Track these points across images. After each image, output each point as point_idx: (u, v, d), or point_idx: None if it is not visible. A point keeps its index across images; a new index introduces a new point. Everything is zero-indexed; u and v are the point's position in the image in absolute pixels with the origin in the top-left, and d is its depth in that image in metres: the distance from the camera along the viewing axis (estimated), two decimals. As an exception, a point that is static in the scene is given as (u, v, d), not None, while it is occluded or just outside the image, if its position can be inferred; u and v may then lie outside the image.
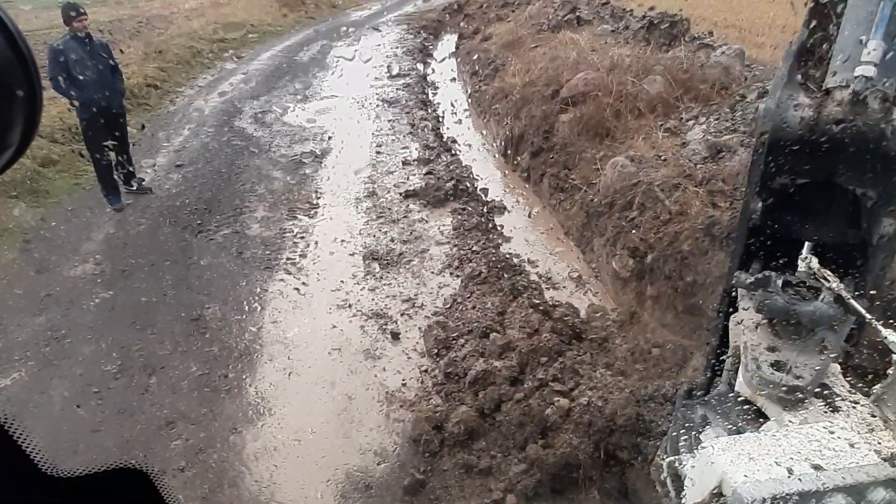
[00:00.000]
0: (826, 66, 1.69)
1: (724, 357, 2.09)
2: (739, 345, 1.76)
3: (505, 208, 7.64)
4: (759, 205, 1.74)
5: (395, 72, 14.18)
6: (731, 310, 1.96)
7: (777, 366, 1.60)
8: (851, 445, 1.35)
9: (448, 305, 5.46)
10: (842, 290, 1.59)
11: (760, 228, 1.80)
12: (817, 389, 1.59)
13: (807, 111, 1.63)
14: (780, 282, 1.69)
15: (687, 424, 1.90)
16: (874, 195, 1.65)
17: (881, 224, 1.66)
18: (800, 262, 1.71)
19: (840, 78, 1.61)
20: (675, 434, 1.96)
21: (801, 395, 1.54)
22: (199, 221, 7.13)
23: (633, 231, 5.52)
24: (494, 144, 9.93)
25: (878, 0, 1.55)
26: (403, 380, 4.64)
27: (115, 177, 7.46)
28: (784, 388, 1.54)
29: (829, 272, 1.65)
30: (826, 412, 1.52)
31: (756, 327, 1.71)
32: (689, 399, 2.12)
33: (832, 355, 1.60)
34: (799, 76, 1.74)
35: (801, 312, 1.61)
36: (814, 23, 1.76)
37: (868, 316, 1.53)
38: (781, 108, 1.66)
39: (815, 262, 1.67)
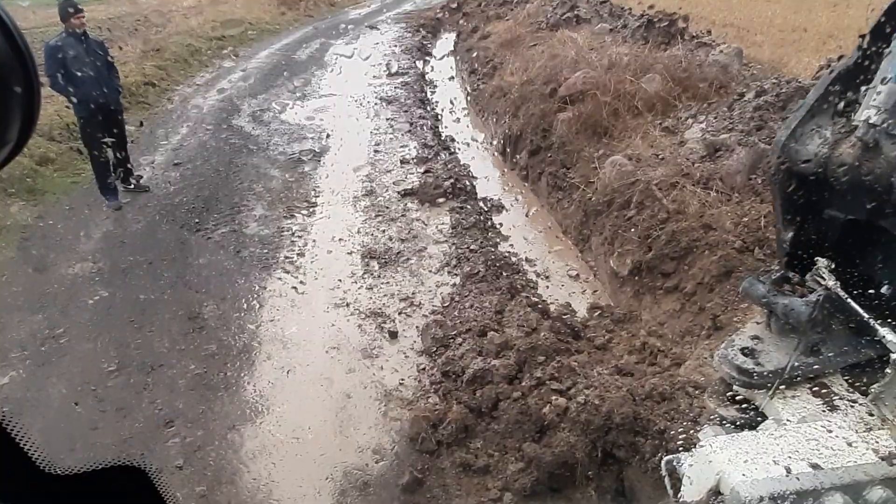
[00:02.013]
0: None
1: None
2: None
3: (503, 207, 7.64)
4: (790, 235, 1.73)
5: (393, 70, 14.17)
6: None
7: (744, 351, 1.66)
8: (849, 444, 1.35)
9: (446, 304, 5.46)
10: (838, 289, 1.59)
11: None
12: (815, 388, 1.59)
13: (822, 148, 1.56)
14: (775, 276, 1.70)
15: None
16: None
17: None
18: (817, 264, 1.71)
19: (861, 117, 1.50)
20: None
21: (755, 381, 1.59)
22: (196, 220, 7.12)
23: (632, 230, 5.53)
24: (493, 143, 9.93)
25: None
26: (401, 378, 4.64)
27: (113, 175, 7.44)
28: (737, 369, 1.61)
29: (827, 272, 1.65)
30: (824, 411, 1.52)
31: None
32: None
33: (799, 352, 1.62)
34: (842, 103, 1.61)
35: (774, 304, 1.64)
36: (867, 47, 1.56)
37: (866, 316, 1.53)
38: (797, 141, 1.60)
39: (822, 262, 1.67)
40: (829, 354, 1.61)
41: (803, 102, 1.67)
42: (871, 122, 1.47)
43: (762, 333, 1.72)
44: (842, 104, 1.61)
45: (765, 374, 1.59)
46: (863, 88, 1.53)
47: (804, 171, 1.62)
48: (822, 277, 1.64)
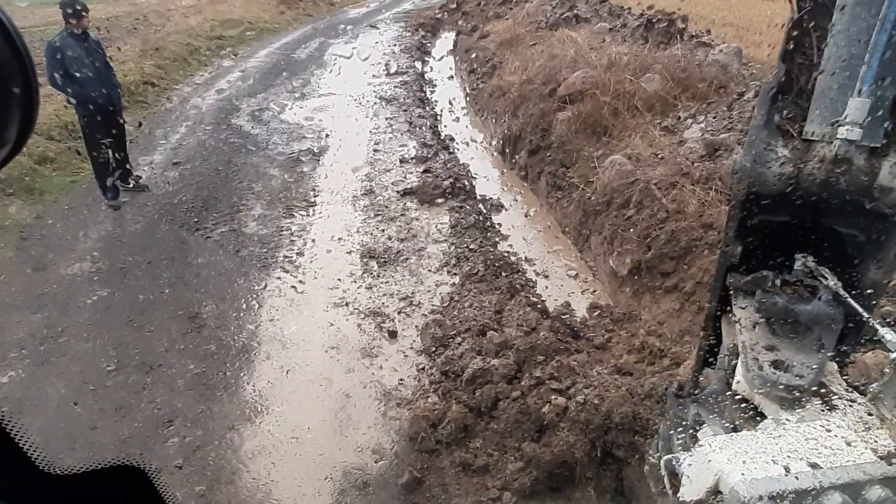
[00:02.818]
0: (806, 106, 1.54)
1: (715, 355, 2.09)
2: (736, 343, 1.76)
3: (502, 206, 7.65)
4: (739, 248, 1.72)
5: (392, 69, 14.17)
6: (721, 309, 1.95)
7: (776, 365, 1.58)
8: (848, 444, 1.35)
9: (445, 303, 5.47)
10: (839, 288, 1.60)
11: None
12: (815, 388, 1.59)
13: (786, 167, 1.53)
14: (778, 281, 1.68)
15: (680, 422, 1.90)
16: (863, 238, 1.62)
17: (869, 270, 1.64)
18: (796, 261, 1.70)
19: (821, 131, 1.48)
20: (668, 433, 1.95)
21: (799, 394, 1.54)
22: (196, 219, 7.12)
23: (632, 230, 5.53)
24: (492, 143, 9.93)
25: (863, 43, 1.42)
26: (401, 378, 4.64)
27: (112, 174, 7.44)
28: (783, 387, 1.53)
29: (826, 270, 1.65)
30: (823, 410, 1.52)
31: (754, 326, 1.71)
32: (680, 397, 2.12)
33: (829, 354, 1.60)
34: (777, 117, 1.59)
35: (800, 312, 1.60)
36: (793, 58, 1.55)
37: (865, 315, 1.53)
38: (759, 164, 1.57)
39: (811, 261, 1.67)
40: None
41: (755, 123, 1.64)
42: (848, 138, 1.45)
43: (769, 340, 1.68)
44: (781, 119, 1.60)
45: (807, 386, 1.53)
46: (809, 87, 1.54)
47: (771, 192, 1.59)
48: (825, 277, 1.64)
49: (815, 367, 1.56)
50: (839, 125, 1.45)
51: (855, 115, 1.43)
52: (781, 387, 1.53)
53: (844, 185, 1.50)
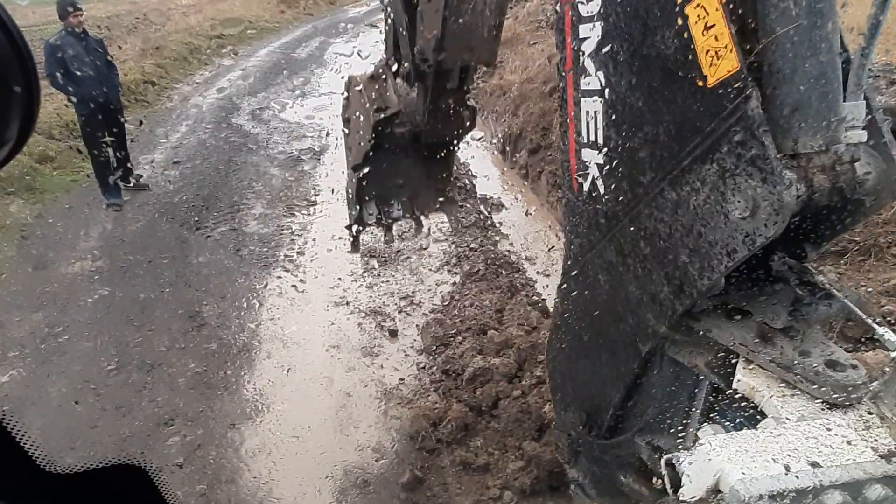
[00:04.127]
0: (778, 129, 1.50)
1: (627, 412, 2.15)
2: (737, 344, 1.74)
3: (503, 205, 7.64)
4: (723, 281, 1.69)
5: (393, 68, 14.14)
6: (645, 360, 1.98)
7: (831, 365, 1.57)
8: (849, 442, 1.35)
9: (446, 303, 5.47)
10: (834, 287, 1.60)
11: None
12: (867, 385, 1.58)
13: (799, 189, 1.49)
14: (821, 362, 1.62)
15: None
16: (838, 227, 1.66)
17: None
18: (774, 260, 1.70)
19: (814, 142, 1.46)
20: None
21: (855, 393, 1.51)
22: (196, 218, 7.12)
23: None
24: (493, 141, 9.93)
25: (829, 50, 1.44)
26: (401, 377, 4.64)
27: (113, 173, 7.44)
28: (840, 387, 1.51)
29: (811, 268, 1.66)
30: (823, 409, 1.52)
31: (765, 337, 1.68)
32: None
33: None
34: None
35: (832, 379, 1.54)
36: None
37: (866, 317, 1.54)
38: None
39: (791, 261, 1.67)
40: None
41: None
42: (855, 141, 1.46)
43: (812, 338, 1.67)
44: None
45: (865, 382, 1.52)
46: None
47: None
48: (812, 274, 1.65)
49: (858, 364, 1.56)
50: (843, 129, 1.44)
51: (857, 118, 1.44)
52: (839, 386, 1.52)
53: (848, 186, 1.49)
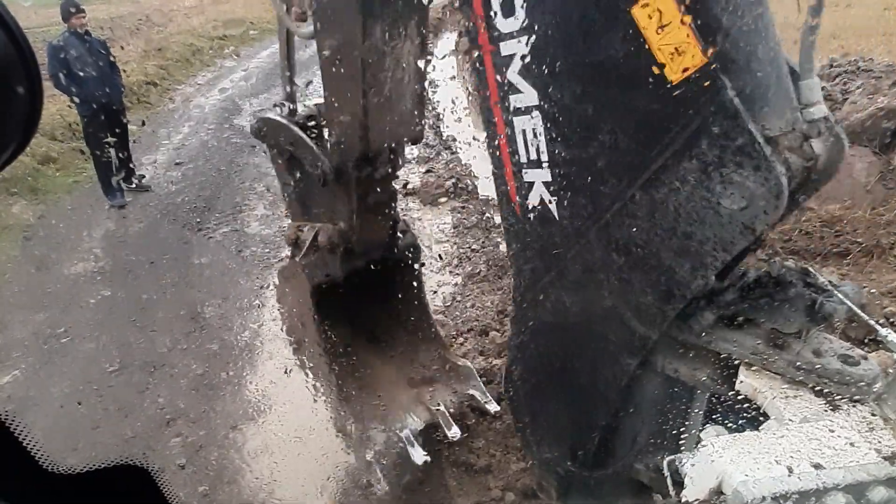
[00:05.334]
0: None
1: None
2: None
3: (505, 206, 7.62)
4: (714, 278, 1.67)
5: (395, 69, 14.13)
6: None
7: (846, 360, 1.57)
8: (851, 444, 1.35)
9: (447, 304, 5.46)
10: (833, 288, 1.60)
11: None
12: (818, 388, 1.59)
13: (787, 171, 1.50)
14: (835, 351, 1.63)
15: None
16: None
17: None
18: (773, 264, 1.69)
19: (780, 123, 1.48)
20: None
21: (868, 387, 1.51)
22: (198, 219, 7.12)
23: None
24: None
25: (771, 37, 1.47)
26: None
27: (115, 174, 7.45)
28: (855, 380, 1.52)
29: (820, 275, 1.66)
30: (826, 411, 1.52)
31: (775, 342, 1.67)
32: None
33: None
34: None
35: (853, 374, 1.55)
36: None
37: (868, 318, 1.53)
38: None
39: (788, 263, 1.67)
40: None
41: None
42: (819, 116, 1.47)
43: (821, 335, 1.67)
44: None
45: (874, 377, 1.54)
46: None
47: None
48: (812, 275, 1.65)
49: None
50: (806, 107, 1.47)
51: (816, 95, 1.47)
52: (850, 379, 1.52)
53: (814, 164, 1.52)
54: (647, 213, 1.61)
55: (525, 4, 1.63)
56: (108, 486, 0.83)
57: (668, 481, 1.51)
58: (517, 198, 1.93)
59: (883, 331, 1.49)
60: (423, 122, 2.76)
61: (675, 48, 1.41)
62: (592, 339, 1.95)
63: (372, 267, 3.10)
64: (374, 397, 3.24)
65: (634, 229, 1.66)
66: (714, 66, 1.39)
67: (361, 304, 3.30)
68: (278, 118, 2.82)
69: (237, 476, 3.83)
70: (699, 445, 1.45)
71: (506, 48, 1.73)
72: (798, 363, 1.59)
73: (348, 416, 3.04)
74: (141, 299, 5.61)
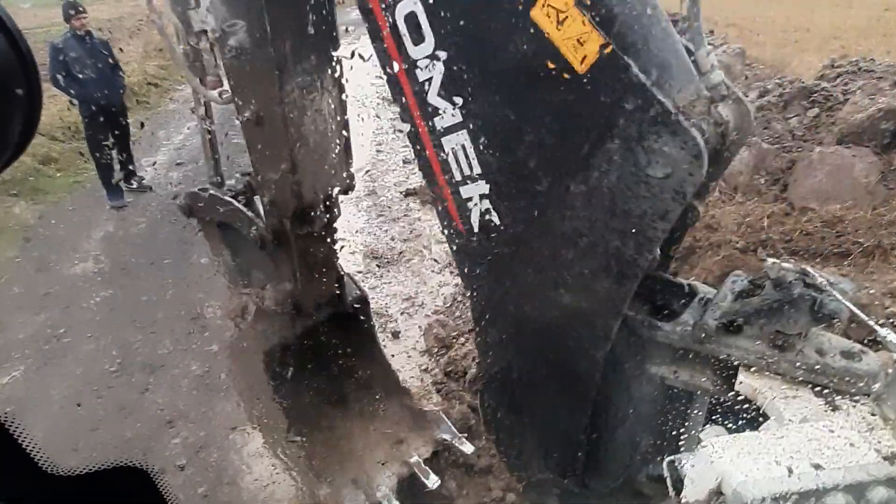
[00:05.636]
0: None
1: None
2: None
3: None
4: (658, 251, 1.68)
5: (395, 70, 14.14)
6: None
7: (847, 355, 1.59)
8: (851, 444, 1.35)
9: (448, 304, 5.46)
10: (833, 289, 1.60)
11: None
12: (817, 388, 1.59)
13: (708, 138, 1.56)
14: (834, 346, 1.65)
15: None
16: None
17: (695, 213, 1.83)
18: (771, 267, 1.69)
19: (684, 97, 1.55)
20: None
21: (870, 381, 1.54)
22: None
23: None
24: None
25: (662, 11, 1.56)
26: (403, 378, 4.63)
27: (116, 174, 7.46)
28: (857, 375, 1.55)
29: (816, 272, 1.66)
30: (826, 411, 1.52)
31: (777, 343, 1.68)
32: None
33: None
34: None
35: (858, 370, 1.57)
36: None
37: (865, 318, 1.53)
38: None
39: (786, 265, 1.67)
40: None
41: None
42: (718, 81, 1.58)
43: (821, 334, 1.68)
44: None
45: (876, 372, 1.56)
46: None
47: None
48: (810, 276, 1.66)
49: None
50: (704, 74, 1.58)
51: (711, 62, 1.59)
52: (855, 374, 1.54)
53: (724, 127, 1.62)
54: (585, 201, 1.66)
55: (431, 28, 1.67)
56: (107, 487, 0.83)
57: (668, 482, 1.51)
58: (459, 218, 1.93)
59: (882, 331, 1.49)
60: (351, 172, 2.73)
61: (577, 39, 1.48)
62: (559, 340, 1.95)
63: (322, 325, 3.07)
64: (344, 460, 3.16)
65: (576, 220, 1.70)
66: (614, 49, 1.45)
67: (317, 366, 3.23)
68: (207, 191, 2.82)
69: (237, 477, 3.83)
70: (699, 446, 1.45)
71: (422, 74, 1.76)
72: (801, 363, 1.60)
73: (321, 485, 2.94)
74: (141, 300, 5.62)
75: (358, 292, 3.16)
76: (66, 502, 0.80)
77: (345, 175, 2.70)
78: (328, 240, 2.85)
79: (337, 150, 2.60)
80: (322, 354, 3.22)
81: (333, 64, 2.41)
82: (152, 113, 11.15)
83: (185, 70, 2.51)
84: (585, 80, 1.51)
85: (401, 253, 6.41)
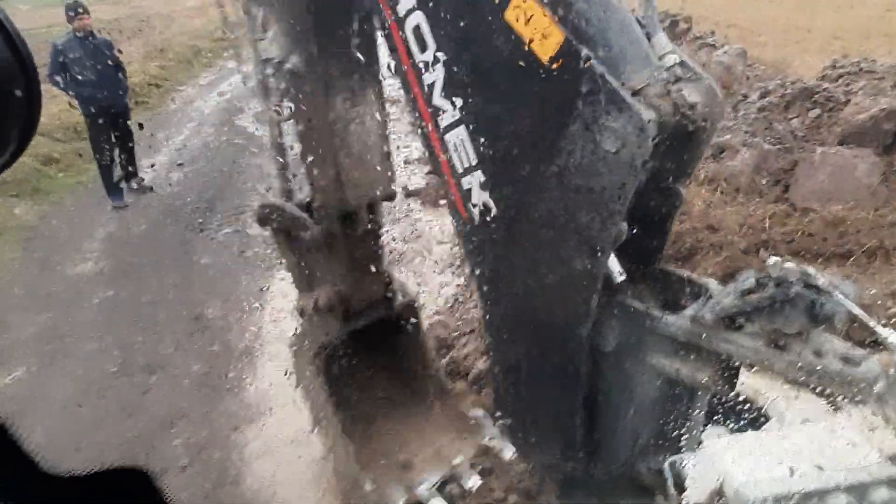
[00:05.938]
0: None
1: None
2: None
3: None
4: (625, 225, 1.78)
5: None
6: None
7: (847, 360, 1.59)
8: (853, 445, 1.35)
9: (449, 305, 5.45)
10: (834, 290, 1.59)
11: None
12: (819, 388, 1.58)
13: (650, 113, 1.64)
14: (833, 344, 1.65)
15: None
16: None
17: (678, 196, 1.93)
18: (773, 266, 1.69)
19: (641, 77, 1.67)
20: None
21: (869, 387, 1.52)
22: (200, 220, 7.13)
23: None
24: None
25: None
26: (405, 379, 4.63)
27: (117, 175, 7.47)
28: (857, 382, 1.53)
29: (813, 270, 1.66)
30: (828, 411, 1.52)
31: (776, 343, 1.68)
32: None
33: None
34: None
35: (854, 375, 1.56)
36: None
37: (864, 316, 1.53)
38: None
39: (788, 264, 1.67)
40: None
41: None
42: (671, 63, 1.70)
43: (822, 336, 1.68)
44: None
45: (876, 378, 1.53)
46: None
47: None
48: (810, 276, 1.66)
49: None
50: (662, 56, 1.72)
51: (666, 46, 1.73)
52: (852, 380, 1.53)
53: (685, 106, 1.69)
54: (558, 182, 1.82)
55: (433, 35, 1.91)
56: (108, 488, 0.83)
57: (669, 482, 1.50)
58: (463, 208, 2.13)
59: (885, 332, 1.49)
60: (393, 181, 3.03)
61: (541, 34, 1.67)
62: (547, 320, 2.08)
63: (371, 328, 3.26)
64: (391, 457, 3.30)
65: (552, 201, 1.86)
66: (573, 40, 1.62)
67: (368, 366, 3.43)
68: (274, 200, 3.05)
69: (238, 477, 3.83)
70: (700, 446, 1.45)
71: (428, 77, 1.99)
72: (799, 364, 1.60)
73: (364, 479, 3.06)
74: (142, 301, 5.62)
75: (407, 298, 3.38)
76: (66, 503, 0.80)
77: (386, 185, 2.98)
78: (373, 243, 3.14)
79: (378, 162, 2.89)
80: (370, 355, 3.40)
81: (375, 85, 2.81)
82: (153, 114, 11.16)
83: (259, 95, 2.91)
84: (551, 70, 1.68)
85: (402, 254, 6.41)
